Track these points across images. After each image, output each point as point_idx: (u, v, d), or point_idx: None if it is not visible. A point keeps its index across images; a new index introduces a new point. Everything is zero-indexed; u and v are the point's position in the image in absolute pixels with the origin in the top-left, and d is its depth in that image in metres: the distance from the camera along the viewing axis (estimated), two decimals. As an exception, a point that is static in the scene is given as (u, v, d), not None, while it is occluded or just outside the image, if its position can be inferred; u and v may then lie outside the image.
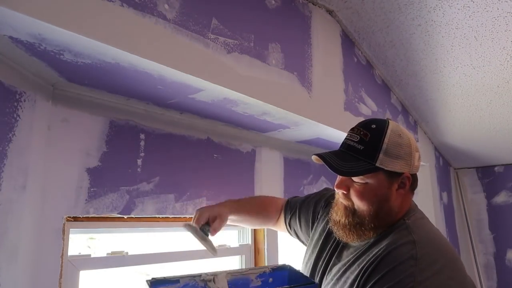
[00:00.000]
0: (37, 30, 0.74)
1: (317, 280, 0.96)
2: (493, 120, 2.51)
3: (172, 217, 1.33)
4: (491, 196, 3.54)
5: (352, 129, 0.89)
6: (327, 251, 0.99)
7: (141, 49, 0.87)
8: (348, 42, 1.84)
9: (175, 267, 1.43)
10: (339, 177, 0.88)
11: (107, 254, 1.16)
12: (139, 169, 1.21)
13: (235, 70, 1.13)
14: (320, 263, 0.98)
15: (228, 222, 1.13)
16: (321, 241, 1.03)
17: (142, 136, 1.25)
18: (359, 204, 0.85)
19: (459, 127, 2.66)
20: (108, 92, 1.11)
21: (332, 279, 0.91)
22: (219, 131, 1.52)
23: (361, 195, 0.84)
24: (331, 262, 0.95)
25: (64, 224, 1.02)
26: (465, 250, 3.40)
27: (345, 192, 0.87)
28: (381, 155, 0.82)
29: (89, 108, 1.12)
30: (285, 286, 0.84)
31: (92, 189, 1.09)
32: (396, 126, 0.88)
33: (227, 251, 1.58)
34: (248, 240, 1.69)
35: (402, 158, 0.84)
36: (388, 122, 0.87)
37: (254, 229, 1.71)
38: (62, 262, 1.00)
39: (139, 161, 1.22)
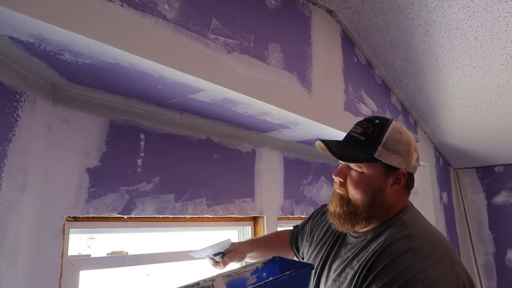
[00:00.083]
0: (37, 30, 0.74)
1: (315, 277, 0.96)
2: (493, 120, 2.51)
3: (172, 217, 1.33)
4: (491, 196, 3.54)
5: (357, 123, 0.94)
6: (325, 249, 1.00)
7: (141, 49, 0.87)
8: (348, 42, 1.84)
9: (175, 267, 1.43)
10: (338, 167, 0.93)
11: (107, 254, 1.16)
12: (139, 169, 1.21)
13: (235, 70, 1.13)
14: (318, 261, 0.99)
15: (248, 259, 1.22)
16: (319, 242, 1.06)
17: (142, 136, 1.25)
18: (353, 193, 0.88)
19: (459, 127, 2.66)
20: (108, 92, 1.11)
21: (331, 276, 0.92)
22: (219, 131, 1.52)
23: (357, 184, 0.88)
24: (330, 260, 0.96)
25: (64, 224, 1.02)
26: (465, 250, 3.40)
27: (342, 180, 0.90)
28: (380, 148, 0.85)
29: (89, 108, 1.12)
30: (286, 273, 0.82)
31: (92, 189, 1.09)
32: (399, 125, 0.91)
33: (227, 251, 1.58)
34: (248, 240, 1.69)
35: (400, 154, 0.87)
36: (392, 120, 0.91)
37: (254, 229, 1.71)
38: (62, 262, 1.00)
39: (139, 161, 1.22)
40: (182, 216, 1.35)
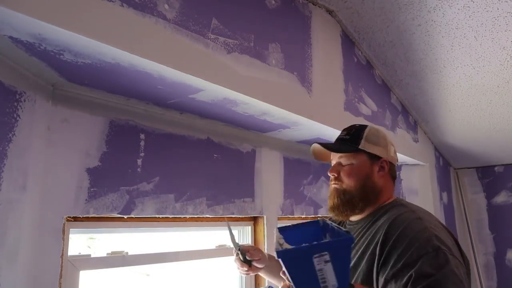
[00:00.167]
0: (37, 30, 0.74)
1: None
2: (493, 120, 2.51)
3: (172, 217, 1.33)
4: (491, 196, 3.54)
5: (342, 129, 1.13)
6: None
7: (141, 49, 0.87)
8: (348, 42, 1.84)
9: (175, 267, 1.43)
10: (331, 166, 1.09)
11: (107, 254, 1.16)
12: (139, 169, 1.21)
13: (235, 70, 1.13)
14: None
15: (263, 274, 1.28)
16: None
17: (142, 136, 1.25)
18: (347, 182, 1.03)
19: (459, 127, 2.66)
20: (108, 92, 1.11)
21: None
22: (219, 131, 1.52)
23: (349, 174, 1.03)
24: None
25: (64, 224, 1.02)
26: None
27: (336, 175, 1.05)
28: (363, 141, 1.04)
29: (89, 108, 1.12)
30: (329, 240, 0.84)
31: (92, 189, 1.09)
32: (375, 127, 1.10)
33: (227, 251, 1.58)
34: (248, 240, 1.69)
35: (380, 145, 1.05)
36: (368, 125, 1.10)
37: (254, 229, 1.71)
38: (62, 262, 1.00)
39: (139, 161, 1.22)
40: (182, 216, 1.35)
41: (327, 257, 0.68)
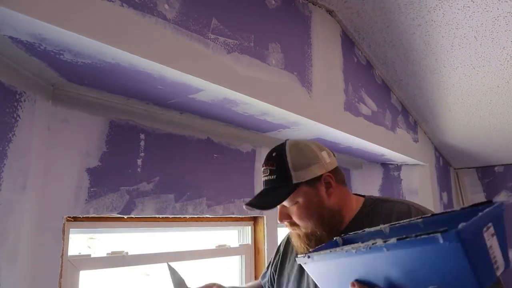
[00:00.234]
0: (37, 30, 0.74)
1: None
2: (493, 120, 2.51)
3: (172, 217, 1.33)
4: (491, 196, 3.54)
5: (262, 167, 0.95)
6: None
7: (141, 49, 0.87)
8: (348, 42, 1.84)
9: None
10: (277, 213, 0.94)
11: (107, 254, 1.16)
12: (139, 169, 1.21)
13: (235, 70, 1.13)
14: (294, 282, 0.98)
15: None
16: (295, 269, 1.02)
17: (142, 136, 1.25)
18: (304, 225, 0.90)
19: (459, 127, 2.66)
20: (108, 92, 1.11)
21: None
22: (219, 131, 1.52)
23: (300, 215, 0.89)
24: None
25: (64, 224, 1.02)
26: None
27: (289, 221, 0.92)
28: (293, 173, 0.88)
29: (89, 108, 1.12)
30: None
31: (92, 189, 1.09)
32: (293, 142, 0.94)
33: (227, 251, 1.58)
34: (248, 240, 1.69)
35: (312, 164, 0.90)
36: (285, 143, 0.93)
37: (254, 229, 1.71)
38: (62, 262, 1.00)
39: (139, 161, 1.22)
40: (182, 216, 1.35)
41: (492, 230, 0.53)
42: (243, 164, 1.62)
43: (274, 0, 1.36)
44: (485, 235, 0.52)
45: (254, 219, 1.71)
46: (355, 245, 0.62)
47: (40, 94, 0.99)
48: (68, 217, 1.04)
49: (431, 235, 0.50)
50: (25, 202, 0.90)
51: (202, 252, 1.47)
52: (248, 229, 1.70)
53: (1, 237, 0.83)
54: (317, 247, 0.80)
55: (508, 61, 1.86)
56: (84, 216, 1.07)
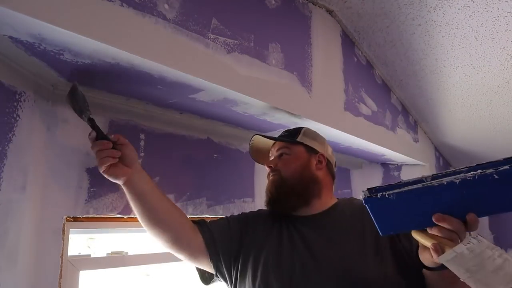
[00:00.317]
0: (37, 30, 0.74)
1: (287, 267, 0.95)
2: (493, 120, 2.51)
3: (172, 217, 1.33)
4: (491, 196, 3.53)
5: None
6: (286, 243, 0.99)
7: (141, 49, 0.87)
8: (348, 42, 1.84)
9: (175, 267, 1.43)
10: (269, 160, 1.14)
11: (107, 254, 1.16)
12: (139, 169, 1.21)
13: (235, 70, 1.13)
14: (286, 253, 0.97)
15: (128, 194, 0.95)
16: (266, 237, 1.03)
17: (142, 136, 1.25)
18: (284, 170, 1.05)
19: (459, 127, 2.66)
20: (108, 92, 1.11)
21: (324, 248, 0.94)
22: (219, 131, 1.52)
23: (286, 162, 1.07)
24: (303, 245, 0.96)
25: (64, 224, 1.02)
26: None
27: (272, 166, 1.08)
28: (300, 135, 1.12)
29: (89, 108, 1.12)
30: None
31: (92, 189, 1.09)
32: (312, 129, 1.20)
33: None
34: (248, 240, 1.68)
35: (317, 141, 1.13)
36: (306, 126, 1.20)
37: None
38: (62, 262, 1.00)
39: (139, 161, 1.22)
40: (182, 216, 1.35)
41: None
42: (243, 164, 1.62)
43: (274, 0, 1.36)
44: None
45: (254, 219, 1.71)
46: (458, 176, 0.67)
47: (40, 94, 0.99)
48: (68, 217, 1.04)
49: None
50: (25, 202, 0.90)
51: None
52: (248, 229, 1.70)
53: (1, 237, 0.83)
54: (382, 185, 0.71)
55: (508, 61, 1.86)
56: (84, 216, 1.07)
